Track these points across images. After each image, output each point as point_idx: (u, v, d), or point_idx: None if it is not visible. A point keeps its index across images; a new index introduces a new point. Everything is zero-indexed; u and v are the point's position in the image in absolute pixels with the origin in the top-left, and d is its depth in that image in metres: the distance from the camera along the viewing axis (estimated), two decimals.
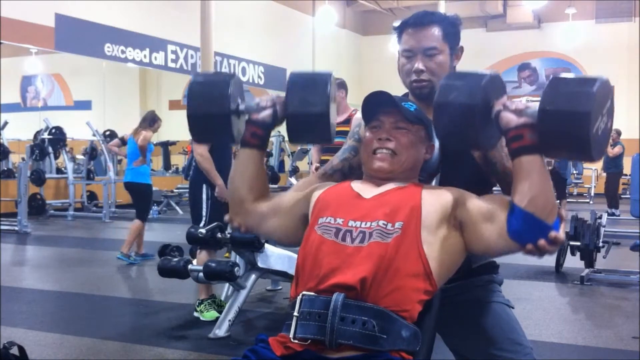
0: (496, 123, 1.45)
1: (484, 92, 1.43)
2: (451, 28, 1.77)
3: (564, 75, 1.44)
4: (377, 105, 1.62)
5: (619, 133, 11.64)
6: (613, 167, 11.57)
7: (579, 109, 1.32)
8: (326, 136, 1.62)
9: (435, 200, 1.51)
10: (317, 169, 4.99)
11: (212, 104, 1.58)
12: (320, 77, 1.60)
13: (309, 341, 1.39)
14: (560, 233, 1.41)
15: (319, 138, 1.69)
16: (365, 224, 1.47)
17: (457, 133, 1.47)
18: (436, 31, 1.74)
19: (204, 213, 4.37)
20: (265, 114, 1.62)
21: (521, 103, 1.44)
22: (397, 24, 1.81)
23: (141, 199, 6.78)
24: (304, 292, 1.44)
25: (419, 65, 1.73)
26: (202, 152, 4.30)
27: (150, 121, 6.60)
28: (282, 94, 1.63)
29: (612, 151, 11.45)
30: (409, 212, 1.47)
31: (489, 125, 1.46)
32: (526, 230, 1.41)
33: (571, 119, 1.33)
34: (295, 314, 1.42)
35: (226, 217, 1.73)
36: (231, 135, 1.63)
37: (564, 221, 1.44)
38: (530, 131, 1.40)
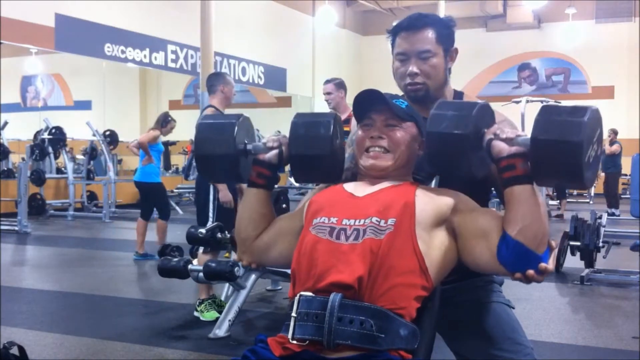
0: (487, 152, 1.46)
1: (475, 121, 1.45)
2: (445, 30, 1.77)
3: (554, 104, 1.46)
4: (368, 103, 1.63)
5: (615, 132, 11.65)
6: (612, 166, 11.57)
7: (572, 138, 1.34)
8: (332, 176, 1.64)
9: (429, 199, 1.51)
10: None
11: (218, 146, 1.61)
12: (323, 118, 1.62)
13: (307, 342, 1.39)
14: (550, 264, 1.42)
15: (324, 178, 1.69)
16: (359, 222, 1.47)
17: (449, 162, 1.50)
18: (429, 34, 1.75)
19: (211, 215, 4.36)
20: (272, 154, 1.63)
21: (512, 132, 1.45)
22: (390, 27, 1.81)
23: (147, 198, 6.82)
24: (302, 293, 1.44)
25: (413, 68, 1.73)
26: None
27: (162, 122, 6.62)
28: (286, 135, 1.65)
29: (610, 149, 11.47)
30: (402, 209, 1.47)
31: (480, 154, 1.48)
32: (515, 259, 1.42)
33: (564, 148, 1.34)
34: (293, 314, 1.42)
35: (235, 257, 1.75)
36: (239, 175, 1.66)
37: (553, 250, 1.45)
38: (522, 160, 1.41)
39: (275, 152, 1.62)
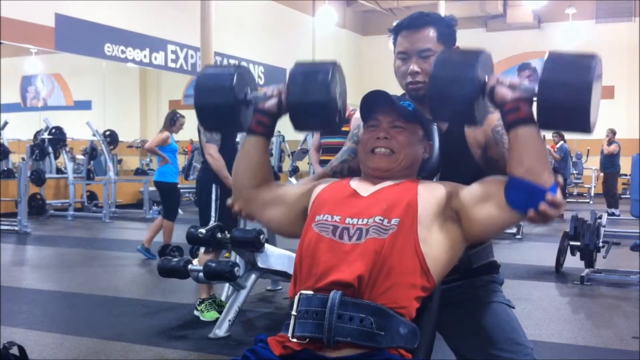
0: (490, 98, 1.48)
1: (480, 66, 1.47)
2: (446, 29, 1.78)
3: (560, 50, 1.48)
4: (374, 104, 1.64)
5: (614, 132, 11.66)
6: (610, 166, 11.58)
7: (581, 80, 1.38)
8: (328, 125, 1.64)
9: (430, 195, 1.52)
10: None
11: (217, 96, 1.62)
12: (322, 66, 1.62)
13: (307, 340, 1.40)
14: (558, 196, 1.43)
15: (319, 127, 1.71)
16: (362, 221, 1.47)
17: (451, 106, 1.50)
18: (431, 32, 1.75)
19: (212, 214, 4.34)
20: (271, 103, 1.64)
21: (514, 79, 1.48)
22: (392, 26, 1.81)
23: (164, 197, 6.86)
24: (302, 292, 1.44)
25: (414, 67, 1.74)
26: (212, 152, 4.28)
27: (170, 121, 6.62)
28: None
29: (608, 149, 11.49)
30: (405, 209, 1.47)
31: (481, 100, 1.50)
32: (525, 196, 1.43)
33: (573, 90, 1.38)
34: (293, 313, 1.42)
35: (229, 201, 1.75)
36: (239, 124, 1.67)
37: (560, 186, 1.47)
38: (525, 104, 1.44)
39: (274, 100, 1.63)
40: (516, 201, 1.44)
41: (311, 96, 1.58)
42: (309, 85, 1.58)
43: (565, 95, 1.38)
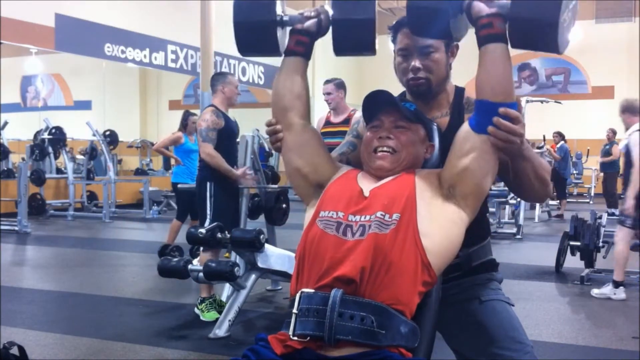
0: (467, 13, 1.52)
1: None
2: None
3: None
4: (377, 104, 1.64)
5: (614, 132, 11.64)
6: (610, 167, 11.58)
7: None
8: (371, 45, 1.64)
9: (426, 183, 1.55)
10: None
11: (258, 11, 1.60)
12: None
13: (308, 338, 1.40)
14: (514, 111, 1.48)
15: (363, 47, 1.67)
16: (365, 217, 1.48)
17: (429, 20, 1.53)
18: None
19: (208, 212, 4.34)
20: (310, 22, 1.65)
21: None
22: (392, 23, 1.82)
23: (175, 198, 6.91)
24: (303, 290, 1.44)
25: (415, 63, 1.74)
26: (209, 151, 4.28)
27: (182, 122, 6.65)
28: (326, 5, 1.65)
29: (614, 152, 11.45)
30: (405, 203, 1.48)
31: (459, 14, 1.53)
32: (482, 115, 1.50)
33: (543, 5, 1.42)
34: (294, 311, 1.43)
35: (271, 120, 1.71)
36: (276, 44, 1.65)
37: (521, 109, 1.52)
38: (499, 20, 1.49)
39: (314, 20, 1.65)
40: (476, 123, 1.51)
41: (358, 14, 1.58)
42: (355, 2, 1.59)
43: (534, 11, 1.42)
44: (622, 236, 5.01)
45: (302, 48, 1.67)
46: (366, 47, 1.65)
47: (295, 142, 1.69)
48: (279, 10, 1.63)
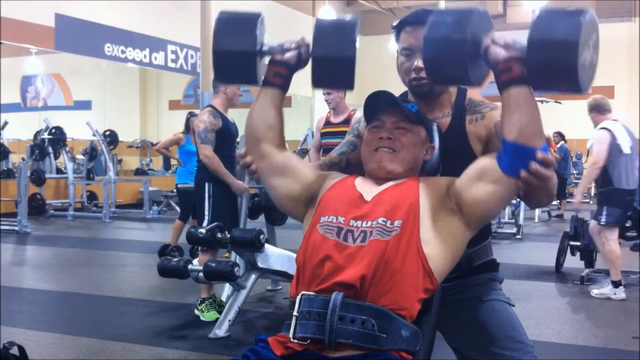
0: (485, 57, 1.47)
1: (473, 27, 1.45)
2: None
3: (552, 7, 1.47)
4: (379, 104, 1.64)
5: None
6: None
7: (567, 38, 1.35)
8: (350, 83, 1.61)
9: (430, 191, 1.53)
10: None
11: (238, 41, 1.57)
12: (347, 23, 1.60)
13: (309, 341, 1.39)
14: (549, 155, 1.43)
15: (342, 84, 1.66)
16: (366, 223, 1.47)
17: (446, 68, 1.49)
18: None
19: (206, 212, 4.34)
20: (291, 54, 1.62)
21: (509, 37, 1.46)
22: (395, 22, 1.82)
23: (178, 198, 6.95)
24: (304, 292, 1.44)
25: (418, 63, 1.73)
26: (207, 153, 4.28)
27: (186, 123, 6.67)
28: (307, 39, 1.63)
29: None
30: (408, 210, 1.48)
31: (477, 60, 1.48)
32: (516, 159, 1.44)
33: (559, 48, 1.36)
34: (295, 313, 1.42)
35: (241, 151, 1.71)
36: (255, 75, 1.63)
37: (551, 146, 1.45)
38: (518, 64, 1.43)
39: (294, 52, 1.62)
40: (509, 166, 1.45)
41: (339, 52, 1.56)
42: (337, 39, 1.56)
43: (552, 53, 1.36)
44: (607, 235, 5.04)
45: (279, 80, 1.64)
46: (345, 85, 1.62)
47: (272, 167, 1.67)
48: (260, 38, 1.60)
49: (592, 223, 5.26)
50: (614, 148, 4.94)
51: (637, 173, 5.07)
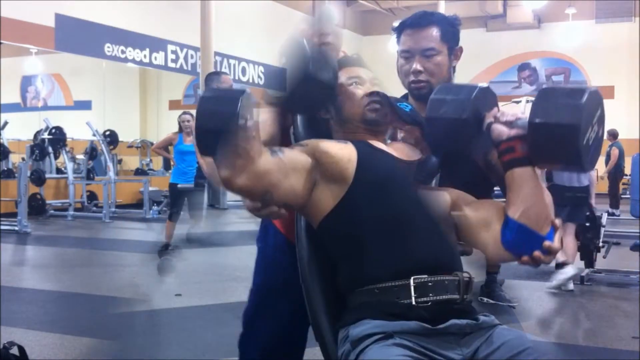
0: (488, 135, 1.45)
1: (474, 105, 1.44)
2: (450, 28, 1.77)
3: (553, 86, 1.45)
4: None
5: (612, 134, 11.66)
6: (612, 169, 11.59)
7: (568, 121, 1.32)
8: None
9: (440, 196, 1.54)
10: None
11: (220, 120, 1.54)
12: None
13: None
14: (555, 243, 1.40)
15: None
16: None
17: (449, 147, 1.50)
18: (434, 32, 1.75)
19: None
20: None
21: (512, 114, 1.44)
22: (396, 24, 1.82)
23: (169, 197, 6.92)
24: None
25: (417, 66, 1.73)
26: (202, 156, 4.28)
27: (179, 122, 6.67)
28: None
29: (612, 154, 11.46)
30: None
31: (481, 136, 1.46)
32: (520, 242, 1.41)
33: (560, 132, 1.32)
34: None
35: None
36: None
37: (558, 230, 1.43)
38: (521, 143, 1.40)
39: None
40: (511, 244, 1.42)
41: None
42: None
43: (553, 140, 1.33)
44: (566, 230, 5.22)
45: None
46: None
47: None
48: (242, 113, 1.53)
49: None
50: None
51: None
